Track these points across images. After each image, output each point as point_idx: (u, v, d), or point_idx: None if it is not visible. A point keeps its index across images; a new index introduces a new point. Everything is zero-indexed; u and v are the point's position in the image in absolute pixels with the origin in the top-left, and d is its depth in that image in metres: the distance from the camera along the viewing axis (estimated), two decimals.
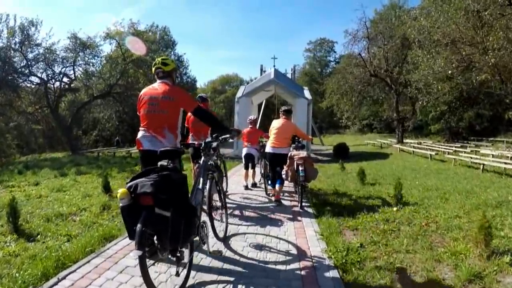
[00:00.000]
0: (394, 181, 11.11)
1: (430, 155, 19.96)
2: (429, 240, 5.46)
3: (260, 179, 10.39)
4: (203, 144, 4.43)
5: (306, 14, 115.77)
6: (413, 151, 23.36)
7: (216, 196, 4.98)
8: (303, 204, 7.74)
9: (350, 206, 7.83)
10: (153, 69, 4.46)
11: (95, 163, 18.60)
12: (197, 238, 3.95)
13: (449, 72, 19.02)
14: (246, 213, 7.06)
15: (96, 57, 31.13)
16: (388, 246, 5.20)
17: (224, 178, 8.70)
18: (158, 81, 4.40)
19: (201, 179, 4.21)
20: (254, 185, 10.07)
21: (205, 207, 4.50)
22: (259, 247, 5.06)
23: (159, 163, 3.36)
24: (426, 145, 25.90)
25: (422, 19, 21.10)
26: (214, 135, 4.60)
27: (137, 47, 29.39)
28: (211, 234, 4.71)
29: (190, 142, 7.17)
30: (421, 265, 4.49)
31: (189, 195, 3.80)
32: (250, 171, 9.97)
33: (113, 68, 31.26)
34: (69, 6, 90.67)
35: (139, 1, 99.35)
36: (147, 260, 3.14)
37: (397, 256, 4.81)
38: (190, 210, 3.47)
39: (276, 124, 8.18)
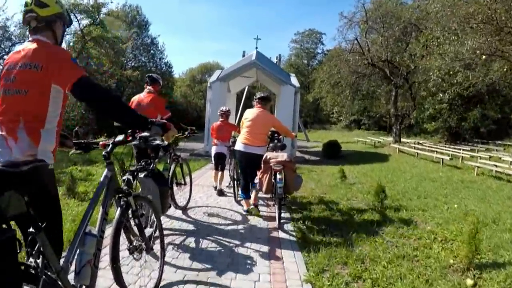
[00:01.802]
0: (421, 202, 7.93)
1: (442, 159, 16.41)
2: None
3: (229, 183, 8.65)
4: (110, 145, 2.77)
5: (297, 8, 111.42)
6: (417, 154, 19.76)
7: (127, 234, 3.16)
8: (283, 221, 6.06)
9: (382, 268, 4.25)
10: (22, 14, 2.56)
11: None
12: None
13: (483, 57, 15.07)
14: (203, 244, 4.89)
15: None
16: None
17: (186, 186, 6.88)
18: (29, 37, 2.58)
19: (100, 212, 2.60)
20: (220, 192, 8.22)
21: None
22: None
23: None
24: (429, 147, 22.52)
25: None
26: (129, 131, 2.93)
27: None
28: None
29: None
30: None
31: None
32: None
33: (71, 47, 26.98)
34: None
35: None
36: None
37: None
38: None
39: (249, 115, 6.61)
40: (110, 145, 2.79)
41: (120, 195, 2.97)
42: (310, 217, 6.40)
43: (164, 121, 2.78)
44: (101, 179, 2.74)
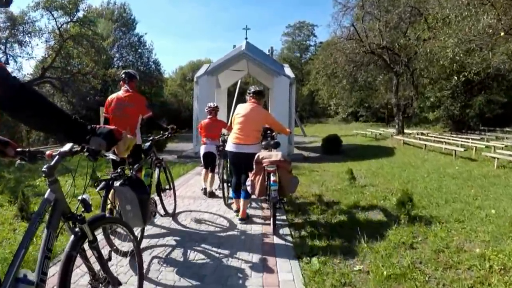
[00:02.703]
0: (452, 209, 6.56)
1: (455, 151, 14.91)
2: None
3: (219, 186, 7.98)
4: (56, 157, 2.21)
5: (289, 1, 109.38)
6: (425, 145, 18.20)
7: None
8: (278, 226, 5.47)
9: None
10: None
11: None
12: None
13: (501, 34, 13.39)
14: (190, 255, 4.41)
15: (29, 35, 25.27)
16: None
17: (170, 191, 6.14)
18: None
19: (41, 248, 2.05)
20: (212, 194, 7.75)
21: None
22: None
23: None
24: (435, 137, 21.03)
25: None
26: None
27: None
28: None
29: None
30: None
31: None
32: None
33: (49, 47, 25.60)
34: None
35: None
36: None
37: None
38: None
39: (241, 110, 6.00)
40: (56, 157, 2.18)
41: (72, 221, 2.36)
42: (312, 225, 5.62)
43: (111, 128, 2.11)
44: (40, 203, 2.20)
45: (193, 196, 7.74)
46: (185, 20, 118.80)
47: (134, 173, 4.31)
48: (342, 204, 6.96)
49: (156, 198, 5.52)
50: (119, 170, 3.98)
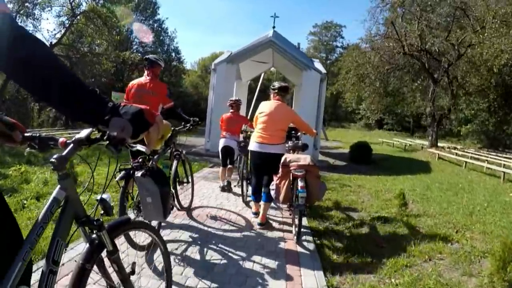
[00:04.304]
0: None
1: (504, 173, 12.85)
2: None
3: (238, 182, 7.63)
4: (70, 146, 1.66)
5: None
6: (466, 163, 16.10)
7: None
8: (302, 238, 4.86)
9: None
10: None
11: None
12: None
13: None
14: (207, 254, 4.19)
15: (39, 7, 23.95)
16: None
17: (188, 184, 5.84)
18: None
19: (45, 262, 1.59)
20: (228, 185, 7.58)
21: None
22: None
23: None
24: (472, 153, 19.00)
25: None
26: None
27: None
28: None
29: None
30: None
31: None
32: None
33: (60, 23, 24.34)
34: None
35: None
36: None
37: None
38: None
39: (265, 108, 5.54)
40: (70, 146, 1.60)
41: (87, 227, 1.85)
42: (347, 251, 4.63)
43: (141, 107, 1.52)
44: (47, 204, 1.60)
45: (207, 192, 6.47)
46: (212, 14, 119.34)
47: (154, 164, 3.94)
48: (394, 241, 5.12)
49: (172, 191, 5.08)
50: (139, 160, 3.74)
